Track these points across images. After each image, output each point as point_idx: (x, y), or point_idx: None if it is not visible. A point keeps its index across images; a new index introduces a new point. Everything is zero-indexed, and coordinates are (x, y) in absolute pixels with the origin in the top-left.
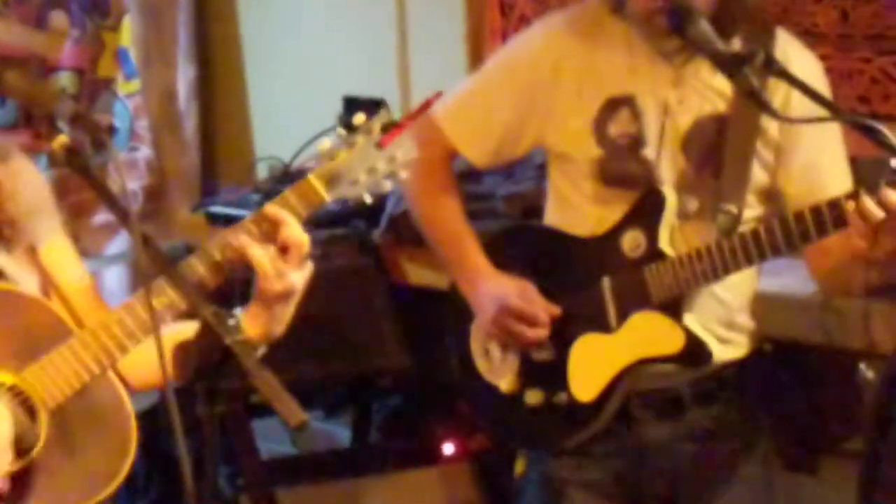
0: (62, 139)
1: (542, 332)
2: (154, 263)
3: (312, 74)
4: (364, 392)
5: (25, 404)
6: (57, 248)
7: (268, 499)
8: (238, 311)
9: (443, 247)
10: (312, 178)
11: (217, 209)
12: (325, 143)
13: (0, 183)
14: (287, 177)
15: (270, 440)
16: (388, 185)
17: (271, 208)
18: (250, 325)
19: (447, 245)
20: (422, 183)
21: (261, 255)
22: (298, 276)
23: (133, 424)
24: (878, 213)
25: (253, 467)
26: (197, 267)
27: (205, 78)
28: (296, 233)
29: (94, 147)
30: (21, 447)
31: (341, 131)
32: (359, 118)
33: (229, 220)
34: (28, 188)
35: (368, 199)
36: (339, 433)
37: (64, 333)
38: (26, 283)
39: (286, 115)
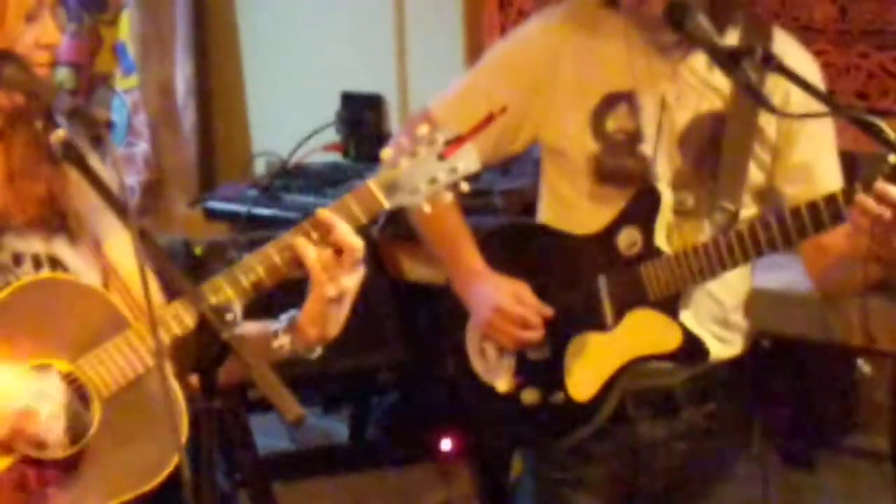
0: (60, 134)
1: (534, 335)
2: (151, 258)
3: (310, 70)
4: (362, 388)
5: (80, 392)
6: (122, 243)
7: (265, 494)
8: (293, 313)
9: (438, 246)
10: (372, 184)
11: (215, 205)
12: (388, 150)
13: (67, 176)
14: (285, 172)
15: (268, 436)
16: (448, 197)
17: (324, 212)
18: (307, 327)
19: (442, 244)
20: None
21: (314, 259)
22: (350, 280)
23: (185, 419)
24: (877, 209)
25: (250, 462)
26: (256, 267)
27: (203, 73)
28: (349, 237)
29: (91, 142)
30: (74, 434)
31: (405, 140)
32: (422, 129)
33: (227, 216)
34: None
35: (427, 209)
36: (337, 429)
37: (121, 325)
38: (88, 276)
39: (284, 110)
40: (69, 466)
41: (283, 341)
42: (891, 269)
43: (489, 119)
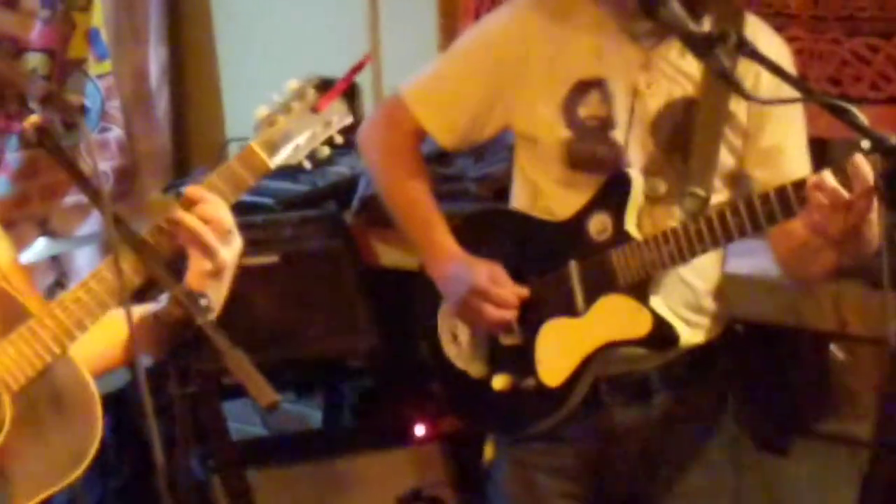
0: (34, 119)
1: (509, 314)
2: (126, 243)
3: (284, 57)
4: (335, 373)
5: None
6: None
7: (239, 479)
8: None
9: (411, 229)
10: (255, 145)
11: None
12: (262, 109)
13: None
14: None
15: (242, 422)
16: (326, 151)
17: (191, 189)
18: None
19: (415, 227)
20: (389, 164)
21: (187, 234)
22: (227, 253)
23: (98, 405)
24: (843, 193)
25: (224, 448)
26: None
27: (176, 59)
28: (215, 211)
29: (65, 127)
30: None
31: (276, 97)
32: (292, 84)
33: None
34: None
35: (308, 165)
36: (311, 414)
37: (21, 314)
38: None
39: (258, 96)
40: None
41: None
42: (844, 254)
43: (360, 66)
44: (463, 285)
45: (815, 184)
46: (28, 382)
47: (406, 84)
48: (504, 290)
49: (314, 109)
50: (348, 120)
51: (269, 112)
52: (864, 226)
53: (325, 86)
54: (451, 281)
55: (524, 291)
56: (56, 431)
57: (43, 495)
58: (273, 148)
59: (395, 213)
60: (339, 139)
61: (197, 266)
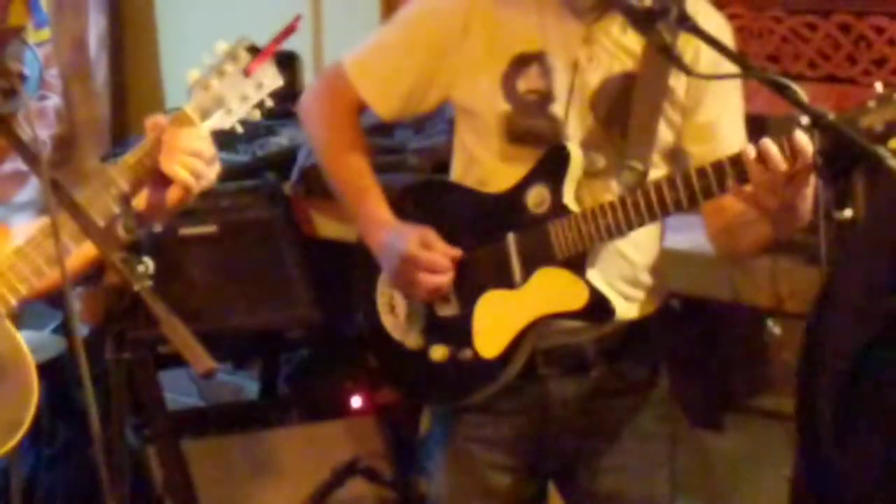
0: None
1: (443, 279)
2: (64, 209)
3: (224, 26)
4: (272, 345)
5: None
6: None
7: (174, 450)
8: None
9: (348, 199)
10: (189, 109)
11: None
12: (194, 72)
13: None
14: None
15: (177, 392)
16: (257, 114)
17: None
18: (155, 212)
19: (352, 197)
20: (329, 134)
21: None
22: (213, 172)
23: (34, 374)
24: (783, 164)
25: (159, 418)
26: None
27: (116, 28)
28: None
29: (3, 95)
30: None
31: (207, 59)
32: (220, 46)
33: None
34: None
35: (240, 129)
36: (247, 385)
37: None
38: None
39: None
40: None
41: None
42: (777, 227)
43: (289, 30)
44: (395, 253)
45: (759, 153)
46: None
47: (347, 54)
48: (435, 255)
49: (246, 72)
50: (279, 83)
51: (201, 75)
52: (800, 200)
53: (255, 49)
54: (384, 250)
55: (456, 252)
56: None
57: None
58: (206, 112)
59: (333, 182)
60: (269, 102)
61: (175, 193)
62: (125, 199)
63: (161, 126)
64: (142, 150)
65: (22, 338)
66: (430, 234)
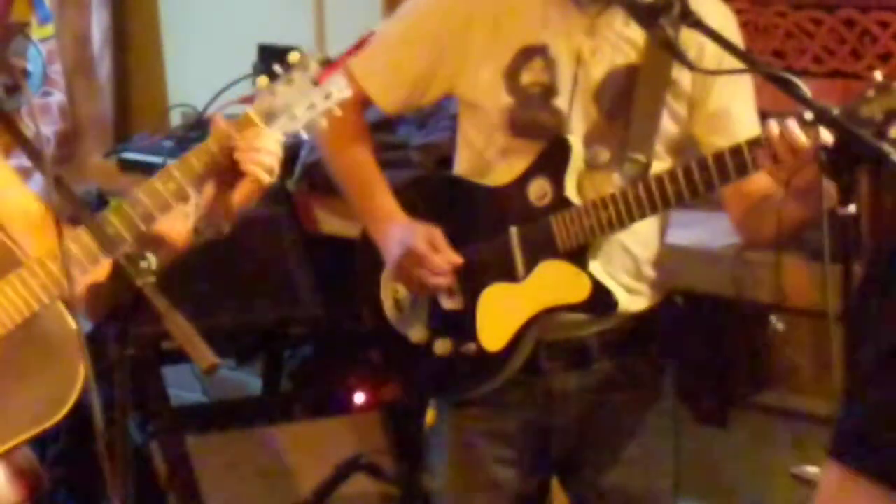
0: None
1: (443, 281)
2: (67, 205)
3: (227, 22)
4: (276, 341)
5: None
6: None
7: (178, 445)
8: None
9: (353, 193)
10: (252, 112)
11: (130, 155)
12: (263, 79)
13: None
14: (200, 125)
15: (181, 388)
16: (324, 122)
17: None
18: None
19: (358, 191)
20: (333, 129)
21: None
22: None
23: (81, 354)
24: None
25: (163, 414)
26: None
27: (119, 23)
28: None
29: (7, 91)
30: None
31: (278, 68)
32: (294, 56)
33: (142, 167)
34: None
35: (305, 135)
36: (251, 381)
37: (13, 262)
38: None
39: (200, 62)
40: None
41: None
42: (806, 203)
43: (362, 43)
44: (400, 246)
45: (782, 131)
46: (15, 328)
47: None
48: (439, 257)
49: (315, 82)
50: (347, 93)
51: (269, 81)
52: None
53: (327, 60)
54: (391, 243)
55: (459, 259)
56: (38, 377)
57: (20, 438)
58: (270, 116)
59: (337, 177)
60: (338, 112)
61: (247, 188)
62: (184, 198)
63: (226, 129)
64: (207, 153)
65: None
66: (438, 235)
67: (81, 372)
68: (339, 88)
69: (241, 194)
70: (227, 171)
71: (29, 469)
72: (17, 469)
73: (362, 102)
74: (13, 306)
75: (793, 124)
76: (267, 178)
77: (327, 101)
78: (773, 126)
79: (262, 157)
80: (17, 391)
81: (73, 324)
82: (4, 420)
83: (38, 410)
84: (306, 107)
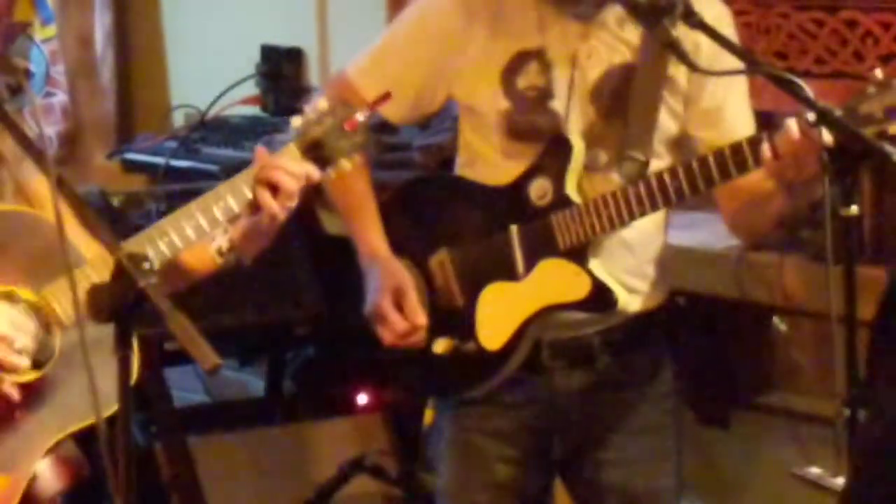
0: None
1: (401, 342)
2: (70, 205)
3: (230, 23)
4: (278, 341)
5: (43, 321)
6: (44, 186)
7: (180, 446)
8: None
9: (345, 215)
10: (293, 145)
11: (132, 156)
12: (297, 119)
13: None
14: (203, 125)
15: (184, 389)
16: (348, 166)
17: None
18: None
19: (348, 215)
20: None
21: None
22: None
23: (135, 349)
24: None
25: (166, 414)
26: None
27: (122, 24)
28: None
29: (10, 91)
30: (37, 360)
31: (309, 111)
32: (322, 102)
33: (144, 167)
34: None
35: (332, 175)
36: (253, 382)
37: (77, 258)
38: None
39: (203, 63)
40: (32, 391)
41: (221, 242)
42: (796, 195)
43: (385, 97)
44: (373, 295)
45: (787, 129)
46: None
47: (351, 64)
48: (400, 318)
49: (342, 127)
50: (367, 139)
51: (303, 122)
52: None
53: (353, 109)
54: (370, 283)
55: (422, 321)
56: (98, 369)
57: (74, 427)
58: (307, 151)
59: (332, 195)
60: (357, 158)
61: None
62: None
63: (264, 156)
64: (251, 177)
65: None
66: (408, 292)
67: (134, 372)
68: (363, 135)
69: (264, 220)
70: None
71: (73, 457)
72: (61, 457)
73: None
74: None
75: (794, 124)
76: (273, 206)
77: (354, 147)
78: (793, 125)
79: (281, 175)
80: (76, 383)
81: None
82: (65, 408)
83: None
84: (334, 149)
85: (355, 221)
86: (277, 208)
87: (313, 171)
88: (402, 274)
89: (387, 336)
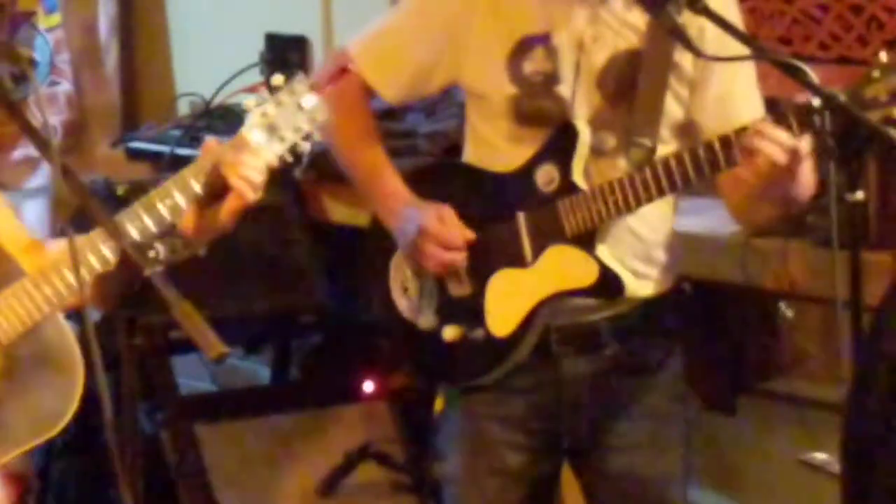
0: None
1: (454, 255)
2: (75, 194)
3: (234, 11)
4: (284, 329)
5: None
6: None
7: (187, 434)
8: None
9: (362, 179)
10: (244, 132)
11: (137, 145)
12: (251, 100)
13: None
14: (208, 113)
15: (190, 377)
16: (307, 147)
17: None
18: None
19: (366, 176)
20: (339, 118)
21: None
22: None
23: (80, 369)
24: (783, 140)
25: (172, 402)
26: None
27: (126, 13)
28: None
29: (14, 80)
30: None
31: (265, 92)
32: (278, 79)
33: (149, 156)
34: None
35: (290, 158)
36: (259, 371)
37: (15, 273)
38: None
39: (207, 51)
40: None
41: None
42: (778, 200)
43: (342, 72)
44: (412, 225)
45: (755, 132)
46: (17, 338)
47: (353, 40)
48: (450, 232)
49: (300, 105)
50: (328, 117)
51: (257, 102)
52: (801, 172)
53: (314, 84)
54: (402, 223)
55: (470, 234)
56: (38, 389)
57: (19, 450)
58: (259, 136)
59: (346, 164)
60: (317, 136)
61: (232, 204)
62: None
63: (216, 149)
64: (202, 171)
65: (71, 331)
66: (449, 212)
67: (80, 385)
68: (322, 113)
69: (226, 211)
70: (214, 187)
71: (20, 472)
72: (8, 473)
73: (367, 91)
74: (15, 317)
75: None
76: (251, 195)
77: (312, 124)
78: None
79: (248, 172)
80: (18, 403)
81: (71, 336)
82: (8, 431)
83: (38, 422)
84: (293, 130)
85: (375, 179)
86: (253, 197)
87: (273, 159)
88: (439, 204)
89: (431, 258)
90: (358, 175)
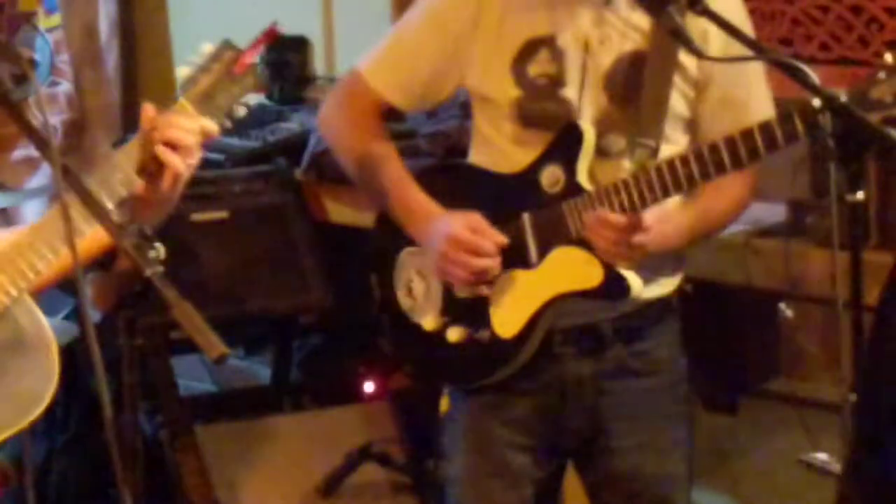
0: None
1: (487, 262)
2: (74, 194)
3: (235, 12)
4: (285, 330)
5: None
6: None
7: (187, 435)
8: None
9: (384, 190)
10: (184, 100)
11: None
12: (184, 69)
13: None
14: None
15: (190, 377)
16: (242, 111)
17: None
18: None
19: (389, 188)
20: (355, 133)
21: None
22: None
23: (55, 349)
24: (619, 221)
25: (173, 403)
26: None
27: (127, 13)
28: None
29: (14, 81)
30: None
31: (195, 59)
32: (207, 47)
33: None
34: None
35: (228, 124)
36: (260, 371)
37: None
38: None
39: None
40: None
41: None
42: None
43: (269, 35)
44: (442, 237)
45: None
46: None
47: (363, 59)
48: (480, 239)
49: (230, 72)
50: (253, 81)
51: (190, 72)
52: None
53: (238, 50)
54: (432, 234)
55: (502, 239)
56: (14, 374)
57: (2, 435)
58: (200, 104)
59: (360, 173)
60: (250, 101)
61: (168, 179)
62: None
63: (152, 115)
64: (138, 139)
65: (42, 314)
66: (478, 218)
67: (57, 364)
68: (250, 79)
69: (166, 183)
70: (153, 161)
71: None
72: None
73: (380, 107)
74: None
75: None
76: (176, 161)
77: (243, 91)
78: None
79: (179, 133)
80: None
81: (42, 318)
82: None
83: (20, 406)
84: (226, 97)
85: (400, 193)
86: (182, 166)
87: (209, 125)
88: (468, 212)
89: (462, 270)
90: (379, 185)
